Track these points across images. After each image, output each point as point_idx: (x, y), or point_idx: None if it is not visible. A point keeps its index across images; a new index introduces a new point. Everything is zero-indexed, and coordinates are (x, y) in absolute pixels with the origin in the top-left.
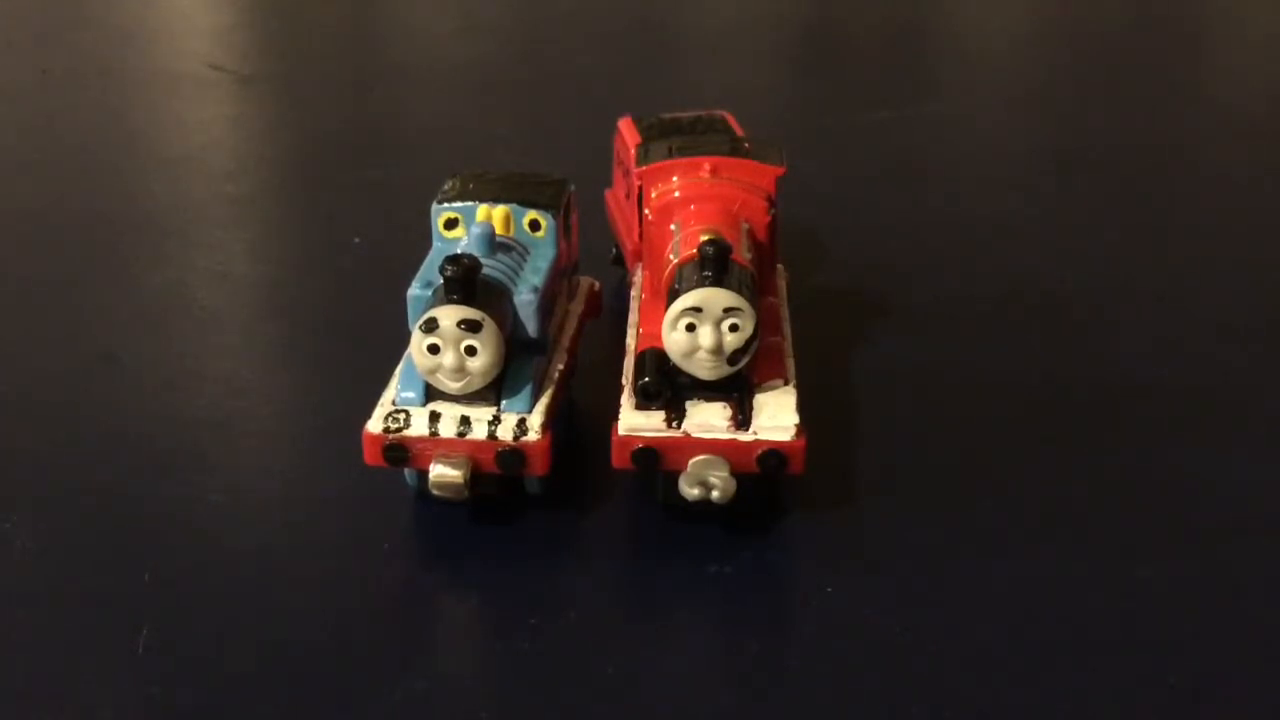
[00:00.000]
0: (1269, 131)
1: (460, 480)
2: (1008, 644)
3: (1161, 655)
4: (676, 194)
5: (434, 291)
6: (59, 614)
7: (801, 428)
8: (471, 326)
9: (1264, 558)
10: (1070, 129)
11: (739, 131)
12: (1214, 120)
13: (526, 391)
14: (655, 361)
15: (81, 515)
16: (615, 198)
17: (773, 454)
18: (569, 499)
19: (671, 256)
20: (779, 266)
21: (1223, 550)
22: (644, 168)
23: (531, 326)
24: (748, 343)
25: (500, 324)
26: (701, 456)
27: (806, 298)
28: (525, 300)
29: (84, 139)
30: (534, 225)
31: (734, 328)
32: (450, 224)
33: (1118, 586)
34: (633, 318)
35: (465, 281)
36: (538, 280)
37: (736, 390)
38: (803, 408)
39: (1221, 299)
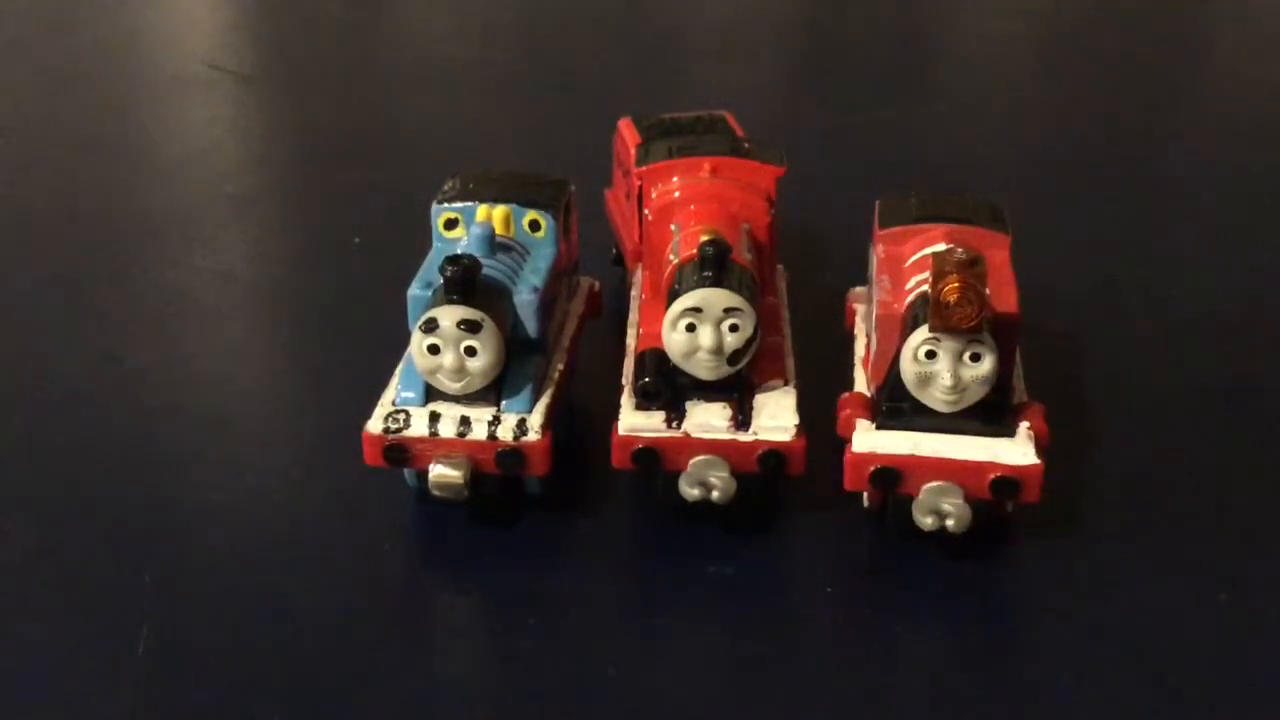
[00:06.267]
0: (1267, 129)
1: (460, 480)
2: (1008, 643)
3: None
4: (676, 194)
5: (434, 292)
6: (59, 614)
7: (801, 428)
8: (471, 327)
9: None
10: (1072, 128)
11: (739, 131)
12: (1211, 119)
13: (526, 392)
14: (655, 361)
15: (82, 515)
16: (615, 198)
17: (773, 454)
18: (569, 499)
19: (671, 257)
20: (779, 267)
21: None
22: (644, 168)
23: (531, 327)
24: (748, 343)
25: (500, 324)
26: (701, 456)
27: (806, 298)
28: (525, 300)
29: (84, 139)
30: (534, 225)
31: (734, 328)
32: (450, 224)
33: (1117, 583)
34: (633, 317)
35: (465, 282)
36: (538, 280)
37: (736, 390)
38: (803, 408)
39: (1221, 300)
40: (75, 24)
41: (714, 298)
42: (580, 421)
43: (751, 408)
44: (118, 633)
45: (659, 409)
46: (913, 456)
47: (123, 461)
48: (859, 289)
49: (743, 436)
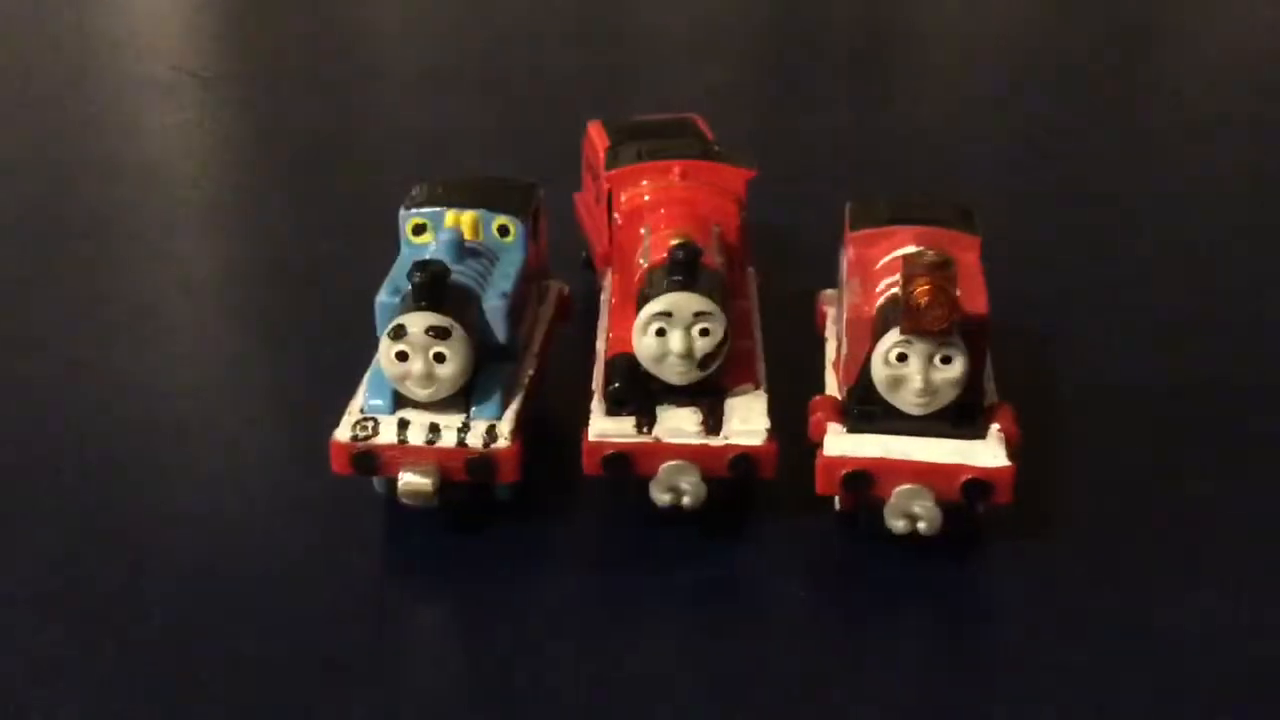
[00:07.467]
0: (1239, 129)
1: (429, 488)
2: (981, 644)
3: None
4: (646, 198)
5: (402, 298)
6: (22, 625)
7: (772, 432)
8: (440, 333)
9: None
10: (1042, 130)
11: (708, 135)
12: (1183, 120)
13: (496, 398)
14: (626, 367)
15: (47, 526)
16: (585, 202)
17: (744, 458)
18: (539, 506)
19: (641, 261)
20: (750, 270)
21: None
22: (613, 171)
23: (501, 332)
24: (718, 347)
25: (469, 330)
26: (672, 462)
27: (778, 301)
28: (494, 306)
29: (45, 144)
30: (503, 230)
31: (704, 332)
32: (418, 229)
33: (1088, 584)
34: (603, 322)
35: (433, 288)
36: (507, 286)
37: (707, 395)
38: (774, 412)
39: (1191, 300)
40: (36, 28)
41: (684, 302)
42: (550, 427)
43: (722, 412)
44: (83, 644)
45: (629, 414)
46: (884, 460)
47: (87, 472)
48: (829, 291)
49: (714, 441)
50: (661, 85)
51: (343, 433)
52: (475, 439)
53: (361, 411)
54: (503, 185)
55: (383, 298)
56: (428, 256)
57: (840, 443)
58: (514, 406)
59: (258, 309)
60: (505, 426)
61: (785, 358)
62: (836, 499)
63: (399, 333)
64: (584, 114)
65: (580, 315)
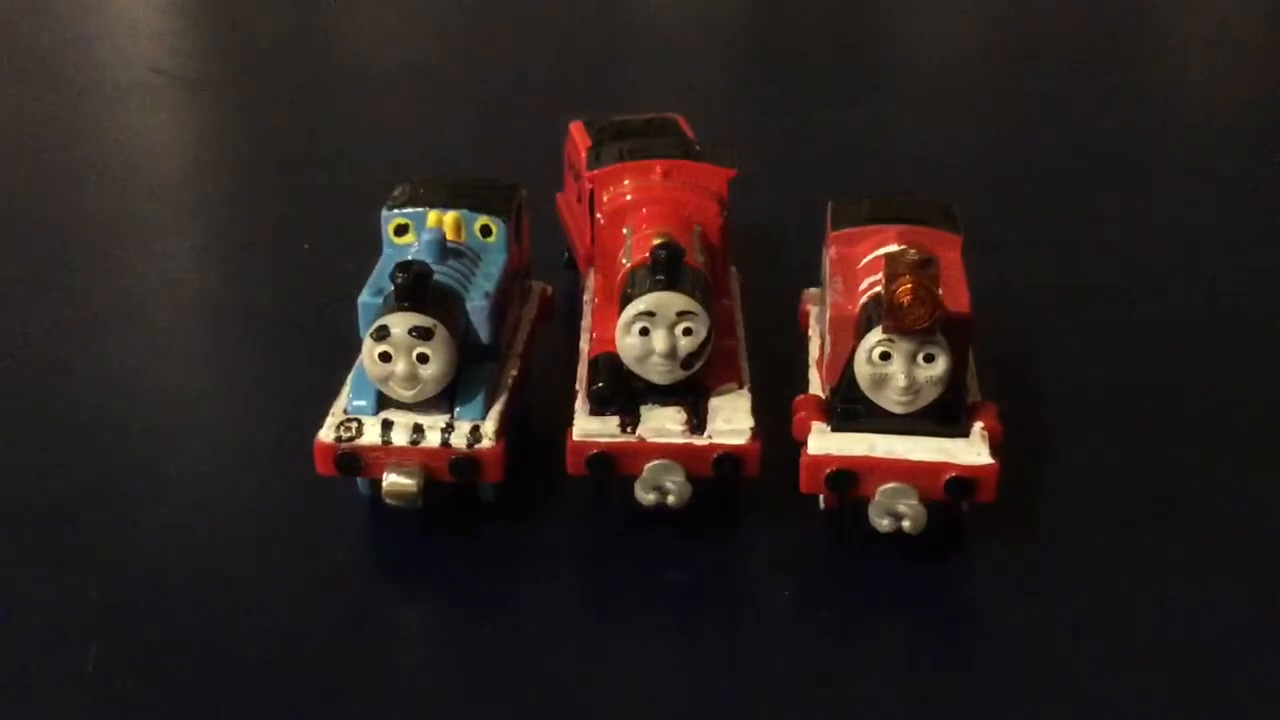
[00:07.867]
0: (1223, 129)
1: (415, 489)
2: (966, 643)
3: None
4: (628, 197)
5: (385, 299)
6: (6, 630)
7: (756, 431)
8: (423, 334)
9: None
10: (1022, 127)
11: (690, 134)
12: (1166, 118)
13: (480, 398)
14: (609, 366)
15: (28, 529)
16: (567, 201)
17: (728, 458)
18: (524, 506)
19: (624, 260)
20: (732, 269)
21: None
22: (595, 171)
23: (484, 333)
24: (702, 346)
25: (452, 331)
26: (657, 461)
27: (761, 300)
28: (477, 306)
29: (27, 146)
30: (485, 230)
31: (688, 331)
32: (400, 230)
33: (1073, 582)
34: (586, 322)
35: (416, 288)
36: (489, 286)
37: (691, 394)
38: (757, 411)
39: (1174, 299)
40: (16, 29)
41: (667, 301)
42: (534, 427)
43: (706, 411)
44: (65, 649)
45: (613, 414)
46: (868, 458)
47: (70, 474)
48: (813, 290)
49: (698, 440)
50: (643, 85)
51: (327, 434)
52: (459, 439)
53: (345, 412)
54: (485, 185)
55: (365, 298)
56: (410, 257)
57: (824, 441)
58: (498, 406)
59: (240, 310)
60: (489, 426)
61: (769, 357)
62: (821, 498)
63: (382, 333)
64: (566, 114)
65: (563, 315)
